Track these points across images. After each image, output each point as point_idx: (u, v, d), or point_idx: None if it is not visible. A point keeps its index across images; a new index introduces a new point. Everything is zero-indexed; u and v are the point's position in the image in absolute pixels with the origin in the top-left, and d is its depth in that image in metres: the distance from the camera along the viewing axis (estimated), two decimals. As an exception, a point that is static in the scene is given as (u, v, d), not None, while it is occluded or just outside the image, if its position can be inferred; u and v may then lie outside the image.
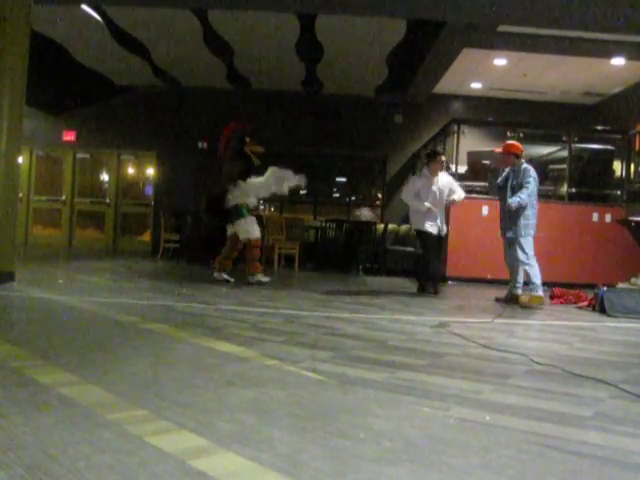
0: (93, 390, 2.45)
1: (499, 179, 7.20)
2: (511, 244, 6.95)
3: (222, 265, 7.89)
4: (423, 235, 7.77)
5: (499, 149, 7.26)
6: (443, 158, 7.96)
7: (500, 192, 7.16)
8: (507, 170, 7.10)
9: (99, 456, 1.74)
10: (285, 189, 7.80)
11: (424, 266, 7.93)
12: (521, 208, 6.74)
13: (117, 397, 2.35)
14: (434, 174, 7.72)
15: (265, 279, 7.74)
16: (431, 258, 7.76)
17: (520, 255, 6.79)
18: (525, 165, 6.93)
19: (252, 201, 7.78)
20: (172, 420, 2.10)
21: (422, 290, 7.83)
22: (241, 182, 7.55)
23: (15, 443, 1.81)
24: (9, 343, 3.34)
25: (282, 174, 7.76)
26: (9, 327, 4.14)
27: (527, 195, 6.71)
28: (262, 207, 15.25)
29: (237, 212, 7.54)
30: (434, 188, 7.69)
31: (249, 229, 7.55)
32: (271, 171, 7.77)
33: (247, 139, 7.74)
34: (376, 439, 2.02)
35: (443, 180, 7.82)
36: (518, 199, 6.66)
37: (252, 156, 7.68)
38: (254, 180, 7.68)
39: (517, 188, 6.82)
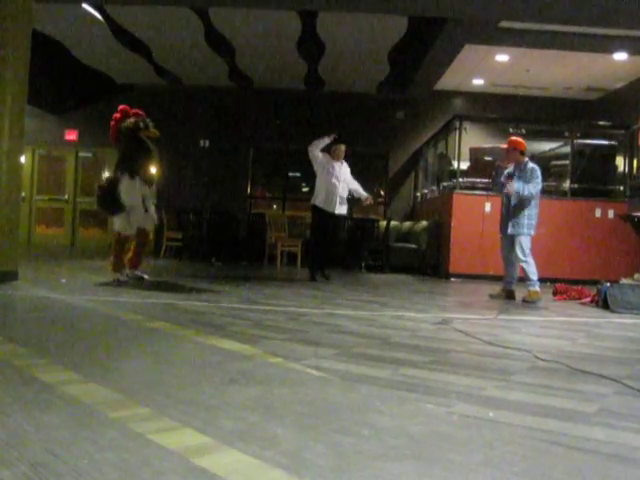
0: (96, 388, 2.45)
1: (502, 177, 7.09)
2: (511, 241, 6.92)
3: (130, 262, 7.16)
4: (314, 212, 8.41)
5: (505, 145, 7.22)
6: (342, 148, 8.41)
7: (502, 189, 7.04)
8: (510, 168, 7.03)
9: (102, 454, 1.74)
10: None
11: (312, 250, 8.56)
12: (528, 206, 6.76)
13: (120, 395, 2.35)
14: (336, 159, 8.38)
15: (120, 277, 6.88)
16: (314, 240, 8.41)
17: (519, 253, 6.79)
18: (532, 164, 6.87)
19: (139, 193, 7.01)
20: (175, 418, 2.10)
21: (312, 278, 8.23)
22: (126, 174, 6.85)
23: (18, 441, 1.81)
24: (12, 342, 3.34)
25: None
26: (12, 326, 4.14)
27: (530, 191, 6.68)
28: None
29: (120, 207, 6.86)
30: (336, 167, 8.32)
31: (117, 222, 6.91)
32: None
33: (142, 124, 7.03)
34: (379, 436, 2.01)
35: (345, 167, 8.47)
36: (521, 189, 6.67)
37: (147, 142, 7.05)
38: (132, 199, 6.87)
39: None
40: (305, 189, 15.33)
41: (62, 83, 13.02)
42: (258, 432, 2.00)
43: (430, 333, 4.35)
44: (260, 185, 15.32)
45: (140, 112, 7.25)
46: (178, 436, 1.93)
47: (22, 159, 6.91)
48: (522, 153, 6.93)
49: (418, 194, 13.97)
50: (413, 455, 1.85)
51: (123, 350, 3.30)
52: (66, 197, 14.87)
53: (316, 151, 8.24)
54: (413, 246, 11.18)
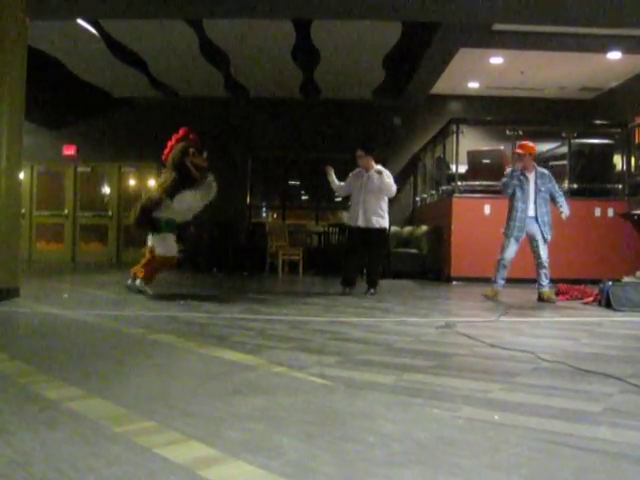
0: (101, 403, 2.45)
1: (513, 180, 7.19)
2: (536, 243, 7.17)
3: (146, 277, 7.11)
4: (347, 229, 8.11)
5: (520, 150, 7.25)
6: (358, 152, 7.76)
7: (519, 193, 7.16)
8: (517, 171, 7.16)
9: (108, 469, 1.74)
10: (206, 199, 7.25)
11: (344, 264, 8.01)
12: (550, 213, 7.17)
13: (125, 409, 2.35)
14: (364, 168, 7.72)
15: (144, 288, 6.98)
16: (349, 257, 7.87)
17: (545, 255, 7.14)
18: (545, 170, 7.30)
19: (178, 218, 7.15)
20: (181, 430, 2.10)
21: (345, 293, 7.76)
22: (166, 198, 6.91)
23: (24, 459, 1.81)
24: (16, 359, 3.34)
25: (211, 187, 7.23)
26: (15, 343, 4.14)
27: (566, 202, 7.21)
28: (264, 215, 15.31)
29: (157, 226, 6.99)
30: (363, 180, 7.67)
31: (161, 246, 6.99)
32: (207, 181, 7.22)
33: (191, 150, 7.14)
34: (385, 442, 2.01)
35: (374, 173, 7.66)
36: (565, 209, 7.14)
37: (192, 169, 7.06)
38: (184, 197, 7.01)
39: (546, 193, 7.13)
40: (304, 197, 15.37)
41: (59, 98, 13.05)
42: (264, 442, 2.00)
43: (433, 337, 4.34)
44: (259, 194, 15.33)
45: (196, 139, 7.37)
46: (184, 449, 1.93)
47: (21, 176, 6.93)
48: (534, 158, 7.28)
49: (417, 199, 13.99)
50: (419, 460, 1.85)
51: (126, 364, 3.30)
52: (66, 212, 14.88)
53: (337, 188, 8.05)
54: (414, 251, 11.19)
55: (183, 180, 7.02)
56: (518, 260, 7.30)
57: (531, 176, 7.12)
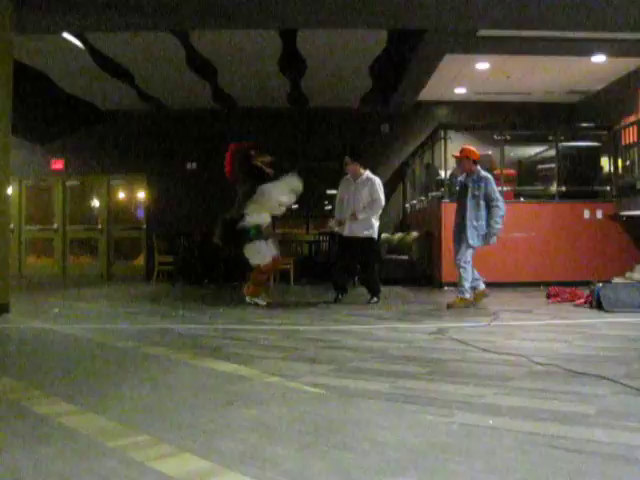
0: (93, 418, 2.43)
1: (456, 185, 7.17)
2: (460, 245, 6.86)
3: (255, 291, 7.43)
4: (337, 237, 8.01)
5: (457, 153, 7.19)
6: (345, 159, 7.74)
7: (459, 198, 7.05)
8: (462, 176, 7.04)
9: (102, 484, 1.73)
10: (293, 196, 7.52)
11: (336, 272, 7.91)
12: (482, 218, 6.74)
13: (118, 424, 2.34)
14: (353, 175, 7.73)
15: (262, 302, 7.28)
16: (338, 264, 7.80)
17: (464, 259, 6.77)
18: (484, 173, 6.86)
19: (266, 218, 7.38)
20: (175, 443, 2.09)
21: (337, 299, 7.68)
22: (249, 203, 7.17)
23: (16, 476, 1.79)
24: (7, 376, 3.32)
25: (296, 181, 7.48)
26: (6, 359, 4.10)
27: (501, 217, 6.69)
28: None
29: (246, 235, 7.13)
30: (351, 189, 7.68)
31: (257, 254, 7.20)
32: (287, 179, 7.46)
33: (252, 152, 7.46)
34: (380, 450, 2.01)
35: (363, 181, 7.69)
36: (499, 227, 6.67)
37: (263, 167, 7.40)
38: (268, 185, 7.25)
39: (481, 198, 6.71)
40: (294, 206, 15.34)
41: (46, 113, 12.99)
42: (258, 453, 1.99)
43: (426, 343, 4.34)
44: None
45: (245, 144, 7.69)
46: (178, 462, 1.92)
47: (9, 191, 6.90)
48: (475, 162, 6.90)
49: (407, 205, 14.00)
50: (415, 467, 1.85)
51: (119, 378, 3.28)
52: (55, 226, 14.81)
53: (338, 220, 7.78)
54: (405, 257, 11.19)
55: (261, 180, 7.29)
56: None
57: (469, 180, 6.86)
